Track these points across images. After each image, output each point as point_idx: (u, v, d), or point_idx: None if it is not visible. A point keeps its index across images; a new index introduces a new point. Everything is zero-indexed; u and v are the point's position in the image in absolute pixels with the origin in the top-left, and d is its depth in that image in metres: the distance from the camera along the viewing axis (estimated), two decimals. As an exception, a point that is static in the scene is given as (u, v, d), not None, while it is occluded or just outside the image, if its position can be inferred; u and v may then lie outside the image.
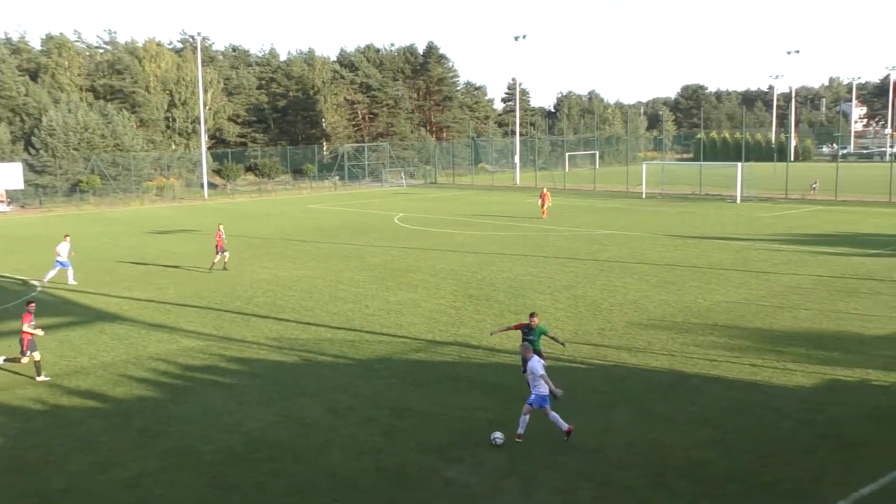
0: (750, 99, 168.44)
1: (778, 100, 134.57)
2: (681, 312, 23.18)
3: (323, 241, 40.85)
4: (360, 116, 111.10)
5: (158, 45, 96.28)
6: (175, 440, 14.52)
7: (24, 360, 18.35)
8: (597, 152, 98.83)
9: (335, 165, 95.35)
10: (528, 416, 13.89)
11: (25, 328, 18.33)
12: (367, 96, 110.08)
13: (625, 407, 15.62)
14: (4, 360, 18.93)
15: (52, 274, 30.20)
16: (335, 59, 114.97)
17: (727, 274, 28.89)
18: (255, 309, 25.17)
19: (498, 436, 13.76)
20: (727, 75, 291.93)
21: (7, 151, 74.11)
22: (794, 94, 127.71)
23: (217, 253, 32.31)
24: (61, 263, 30.21)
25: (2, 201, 66.22)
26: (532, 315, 16.72)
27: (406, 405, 16.01)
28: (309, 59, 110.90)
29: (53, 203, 70.27)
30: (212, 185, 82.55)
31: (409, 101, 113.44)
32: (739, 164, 60.31)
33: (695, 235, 39.51)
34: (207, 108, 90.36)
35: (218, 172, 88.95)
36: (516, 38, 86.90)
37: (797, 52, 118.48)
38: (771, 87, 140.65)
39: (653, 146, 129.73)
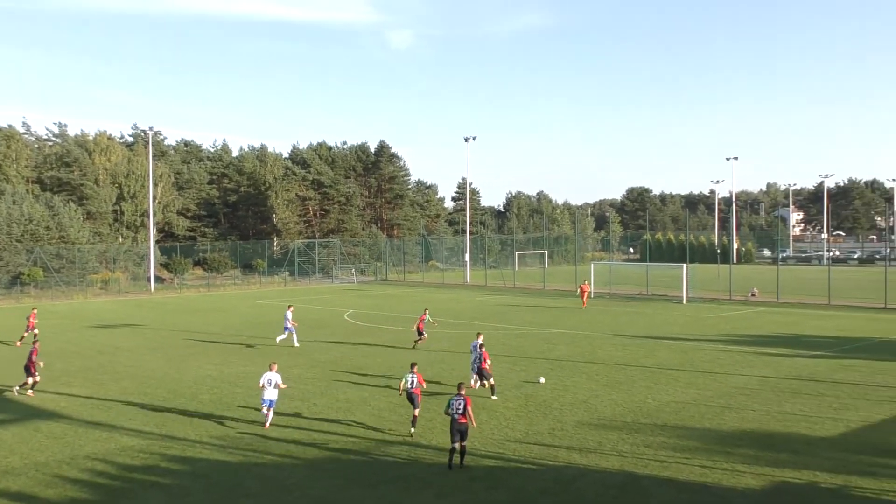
0: (693, 202, 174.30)
1: (719, 203, 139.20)
2: (630, 412, 23.19)
3: (271, 337, 40.24)
4: (312, 212, 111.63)
5: (109, 138, 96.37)
6: (110, 546, 13.84)
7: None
8: (546, 252, 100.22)
9: (285, 261, 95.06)
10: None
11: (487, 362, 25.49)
12: (319, 193, 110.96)
13: (577, 509, 15.40)
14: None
15: (282, 337, 36.86)
16: (287, 155, 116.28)
17: (675, 374, 29.12)
18: (199, 406, 24.50)
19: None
20: (670, 179, 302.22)
21: (-53, 242, 72.55)
22: (734, 199, 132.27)
23: (418, 334, 36.48)
24: (288, 328, 36.76)
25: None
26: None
27: (354, 508, 15.56)
28: (261, 155, 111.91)
29: (-8, 295, 68.45)
30: (159, 279, 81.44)
31: (360, 199, 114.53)
32: (684, 265, 61.63)
33: (643, 335, 39.92)
34: (157, 201, 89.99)
35: (166, 266, 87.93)
36: (466, 139, 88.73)
37: (736, 158, 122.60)
38: (712, 192, 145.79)
39: (600, 246, 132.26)
